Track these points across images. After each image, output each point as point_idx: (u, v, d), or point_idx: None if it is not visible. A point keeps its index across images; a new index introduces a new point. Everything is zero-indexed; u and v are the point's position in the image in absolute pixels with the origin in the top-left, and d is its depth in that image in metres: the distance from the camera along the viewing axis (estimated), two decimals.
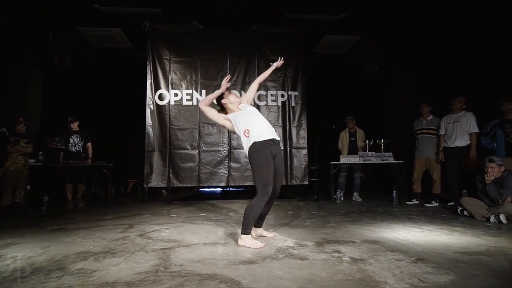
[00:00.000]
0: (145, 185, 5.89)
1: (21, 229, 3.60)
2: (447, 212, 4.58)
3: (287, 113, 6.11)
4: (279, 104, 6.14)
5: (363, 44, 6.71)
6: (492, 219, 3.76)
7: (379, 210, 4.86)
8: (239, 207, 5.11)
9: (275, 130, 3.39)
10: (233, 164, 5.89)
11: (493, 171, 4.04)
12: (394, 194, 5.39)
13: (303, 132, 6.12)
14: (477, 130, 5.03)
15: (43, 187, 5.37)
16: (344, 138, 6.36)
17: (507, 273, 2.09)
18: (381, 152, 5.68)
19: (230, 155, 5.91)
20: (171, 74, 5.97)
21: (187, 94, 5.96)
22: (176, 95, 5.93)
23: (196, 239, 3.04)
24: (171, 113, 5.87)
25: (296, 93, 6.19)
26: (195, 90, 5.98)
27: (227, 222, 3.96)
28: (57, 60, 5.91)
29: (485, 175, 4.10)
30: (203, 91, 5.95)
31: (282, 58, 3.43)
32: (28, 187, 5.30)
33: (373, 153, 5.61)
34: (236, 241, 2.86)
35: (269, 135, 2.90)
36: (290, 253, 2.54)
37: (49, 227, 3.70)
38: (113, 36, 6.36)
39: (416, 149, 5.77)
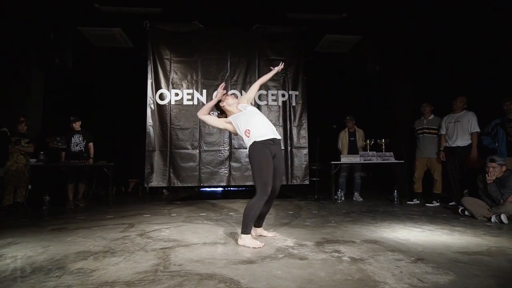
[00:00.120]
0: (145, 185, 5.89)
1: (22, 228, 3.61)
2: (448, 212, 4.57)
3: (287, 113, 6.10)
4: (280, 103, 6.12)
5: (364, 43, 6.69)
6: (493, 219, 3.75)
7: (380, 210, 4.85)
8: (239, 207, 5.11)
9: (276, 130, 3.39)
10: (233, 164, 5.88)
11: (494, 171, 4.03)
12: (395, 193, 5.39)
13: (304, 132, 6.10)
14: (478, 129, 5.01)
15: (44, 186, 5.38)
16: (343, 138, 6.35)
17: (507, 273, 2.08)
18: (382, 151, 5.67)
19: (230, 155, 5.90)
20: (172, 74, 5.97)
21: (188, 94, 5.95)
22: (176, 94, 5.93)
23: (196, 239, 3.04)
24: (171, 112, 5.87)
25: (297, 92, 6.18)
26: (195, 89, 5.97)
27: (227, 221, 3.96)
28: (58, 60, 5.92)
29: (486, 175, 4.09)
30: (204, 91, 5.95)
31: (283, 62, 3.44)
32: (29, 186, 5.31)
33: (374, 152, 5.60)
34: (236, 240, 2.86)
35: (269, 135, 2.89)
36: (290, 253, 2.54)
37: (50, 226, 3.71)
38: (114, 36, 6.36)
39: (417, 149, 5.76)
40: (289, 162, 6.00)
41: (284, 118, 6.09)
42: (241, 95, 5.77)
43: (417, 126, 5.80)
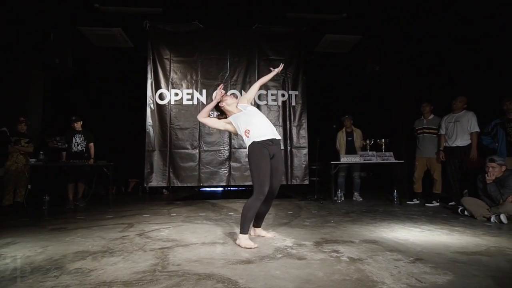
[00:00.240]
0: (145, 185, 5.89)
1: (21, 228, 3.62)
2: (447, 212, 4.56)
3: (287, 113, 6.10)
4: (280, 103, 6.12)
5: (364, 43, 6.68)
6: (492, 219, 3.74)
7: (379, 210, 4.84)
8: (239, 207, 5.10)
9: (276, 130, 3.37)
10: (233, 164, 5.88)
11: (494, 171, 4.03)
12: (395, 193, 5.38)
13: (304, 132, 6.10)
14: (477, 129, 5.00)
15: (44, 186, 5.39)
16: (341, 138, 6.35)
17: (506, 273, 2.08)
18: (382, 151, 5.66)
19: (230, 155, 5.90)
20: (172, 74, 5.97)
21: (188, 94, 5.95)
22: (176, 94, 5.93)
23: (195, 239, 3.04)
24: (171, 112, 5.87)
25: (297, 92, 6.18)
26: (195, 89, 5.97)
27: (226, 221, 3.96)
28: (58, 60, 5.92)
29: (486, 175, 4.08)
30: (204, 91, 5.95)
31: (283, 63, 3.44)
32: (29, 186, 5.31)
33: (374, 152, 5.60)
34: (235, 240, 2.86)
35: (268, 135, 2.89)
36: (289, 253, 2.54)
37: (49, 226, 3.71)
38: (114, 35, 6.36)
39: (417, 149, 5.75)
40: (289, 162, 6.00)
41: (284, 118, 6.09)
42: (241, 95, 5.78)
43: (417, 126, 5.79)
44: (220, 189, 8.63)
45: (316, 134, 6.20)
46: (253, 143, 2.83)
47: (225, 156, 5.89)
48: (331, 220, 3.99)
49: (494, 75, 5.29)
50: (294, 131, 6.08)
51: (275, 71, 3.39)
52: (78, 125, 5.84)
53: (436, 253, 2.48)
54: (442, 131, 5.36)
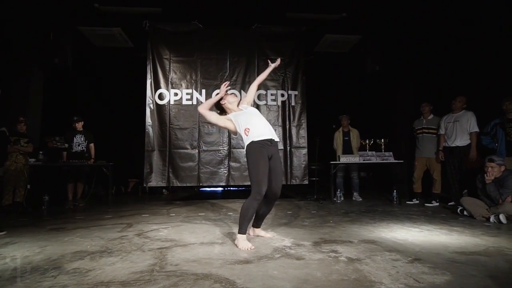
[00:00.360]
0: (144, 185, 5.89)
1: (20, 228, 3.62)
2: (447, 212, 4.55)
3: (287, 113, 6.09)
4: (279, 103, 6.12)
5: (363, 43, 6.68)
6: (492, 219, 3.74)
7: (379, 209, 4.84)
8: (238, 207, 5.05)
9: (275, 130, 3.36)
10: (233, 164, 5.88)
11: (493, 171, 4.02)
12: (395, 193, 5.38)
13: (303, 132, 6.09)
14: (477, 129, 5.00)
15: (43, 186, 5.39)
16: (338, 138, 6.35)
17: (504, 273, 2.07)
18: (382, 151, 5.66)
19: (230, 155, 5.90)
20: (171, 74, 5.97)
21: (187, 94, 5.95)
22: (176, 94, 5.93)
23: (193, 239, 3.04)
24: (171, 112, 5.87)
25: (296, 92, 6.17)
26: (195, 89, 5.97)
27: (225, 221, 3.96)
28: (58, 60, 5.93)
29: (485, 175, 4.07)
30: (203, 91, 5.95)
31: (280, 58, 3.44)
32: (28, 186, 5.31)
33: (373, 152, 5.59)
34: (233, 240, 2.86)
35: (267, 135, 2.89)
36: (287, 253, 2.53)
37: (48, 226, 3.71)
38: (113, 35, 6.36)
39: (416, 149, 5.75)
40: (288, 162, 5.99)
41: (284, 118, 6.09)
42: (240, 94, 5.78)
43: (417, 126, 5.78)
44: (220, 189, 8.63)
45: (316, 134, 6.20)
46: (252, 142, 2.83)
47: (225, 156, 5.89)
48: (330, 220, 3.99)
49: (493, 75, 5.28)
50: (294, 131, 6.08)
51: (272, 66, 3.38)
52: (79, 126, 5.86)
53: (435, 253, 2.47)
54: (442, 131, 5.35)
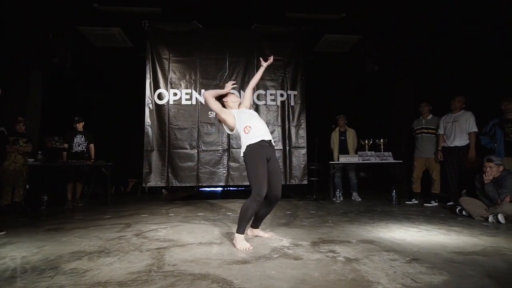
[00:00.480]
0: (144, 185, 5.89)
1: (19, 228, 3.62)
2: (446, 212, 4.55)
3: (286, 113, 6.09)
4: (278, 103, 6.12)
5: (363, 43, 6.68)
6: (490, 219, 3.74)
7: (377, 209, 4.84)
8: (237, 207, 5.10)
9: (274, 130, 3.35)
10: (232, 164, 5.88)
11: (492, 171, 4.02)
12: (394, 193, 5.38)
13: (302, 132, 6.09)
14: (476, 129, 4.99)
15: (42, 186, 5.39)
16: (334, 138, 6.35)
17: (502, 273, 2.07)
18: (381, 151, 5.66)
19: (229, 155, 5.90)
20: (170, 74, 5.97)
21: (186, 94, 5.96)
22: (175, 94, 5.93)
23: (192, 239, 3.04)
24: (170, 112, 5.87)
25: (296, 92, 6.17)
26: (194, 89, 5.98)
27: (224, 222, 3.96)
28: (57, 60, 5.94)
29: (484, 175, 4.07)
30: (202, 91, 5.93)
31: (273, 56, 3.42)
32: (27, 186, 5.31)
33: (373, 152, 5.59)
34: (232, 240, 2.85)
35: (266, 136, 2.92)
36: (285, 253, 2.53)
37: (47, 226, 3.71)
38: (113, 35, 6.37)
39: (415, 149, 5.74)
40: (288, 162, 5.99)
41: (283, 118, 6.09)
42: (240, 95, 5.78)
43: (416, 126, 5.78)
44: (220, 189, 8.63)
45: (315, 134, 6.20)
46: (250, 144, 2.84)
47: (224, 156, 5.89)
48: (329, 220, 3.99)
49: (493, 75, 5.28)
50: (293, 131, 6.08)
51: (264, 66, 3.36)
52: (80, 126, 5.88)
53: (433, 253, 2.47)
54: (441, 131, 5.35)
